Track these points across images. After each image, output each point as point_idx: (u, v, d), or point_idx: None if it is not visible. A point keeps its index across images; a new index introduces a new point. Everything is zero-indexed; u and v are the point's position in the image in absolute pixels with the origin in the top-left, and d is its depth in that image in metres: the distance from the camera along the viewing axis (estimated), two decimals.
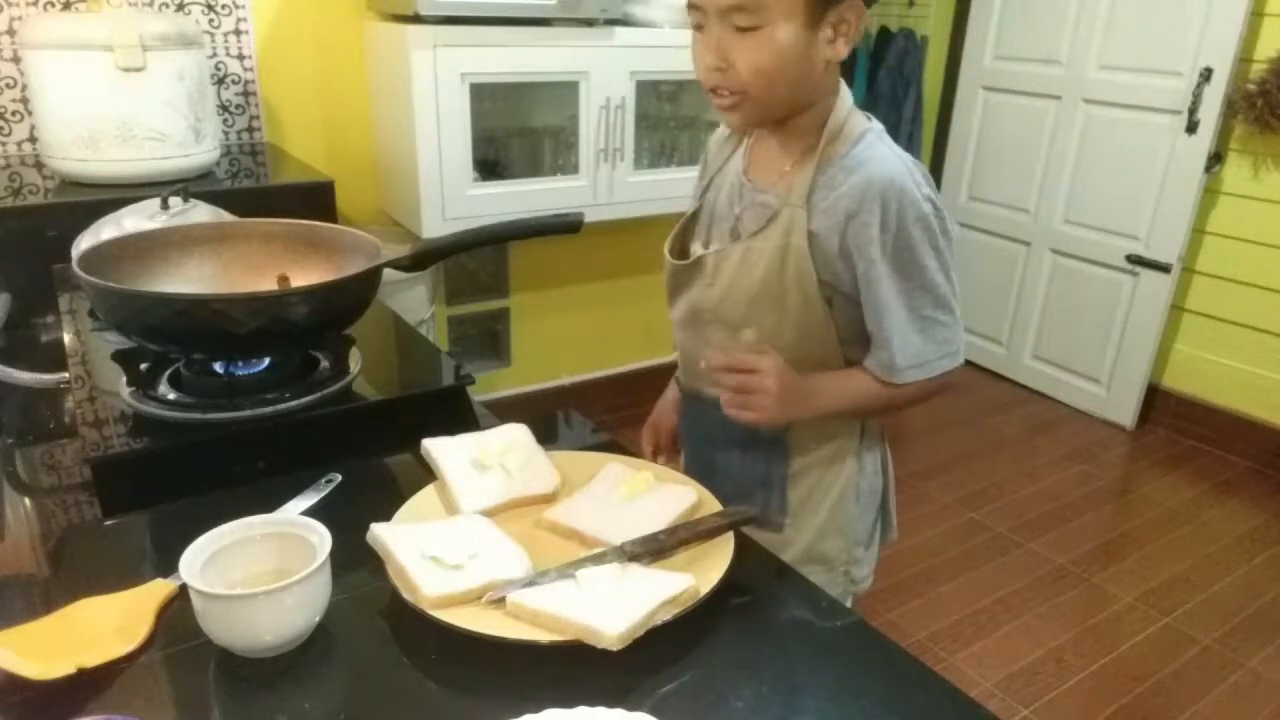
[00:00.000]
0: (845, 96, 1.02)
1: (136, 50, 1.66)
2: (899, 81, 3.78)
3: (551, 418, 1.16)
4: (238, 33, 2.17)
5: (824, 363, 1.06)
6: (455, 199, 2.23)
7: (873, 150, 0.99)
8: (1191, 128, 2.78)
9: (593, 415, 1.16)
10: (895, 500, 1.22)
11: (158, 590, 0.72)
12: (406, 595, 0.70)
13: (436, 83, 2.09)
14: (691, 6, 0.96)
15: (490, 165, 2.43)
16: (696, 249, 1.13)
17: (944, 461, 2.89)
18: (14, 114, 1.98)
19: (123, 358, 0.99)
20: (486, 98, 2.28)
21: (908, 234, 0.98)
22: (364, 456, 0.97)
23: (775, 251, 1.01)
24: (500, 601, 0.71)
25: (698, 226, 1.15)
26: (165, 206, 1.26)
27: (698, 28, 0.96)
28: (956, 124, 3.58)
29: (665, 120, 2.67)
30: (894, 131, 3.91)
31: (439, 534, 0.77)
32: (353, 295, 1.04)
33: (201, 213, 1.30)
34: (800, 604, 0.78)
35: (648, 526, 0.80)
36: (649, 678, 0.67)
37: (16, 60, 1.94)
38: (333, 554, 0.69)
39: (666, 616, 0.69)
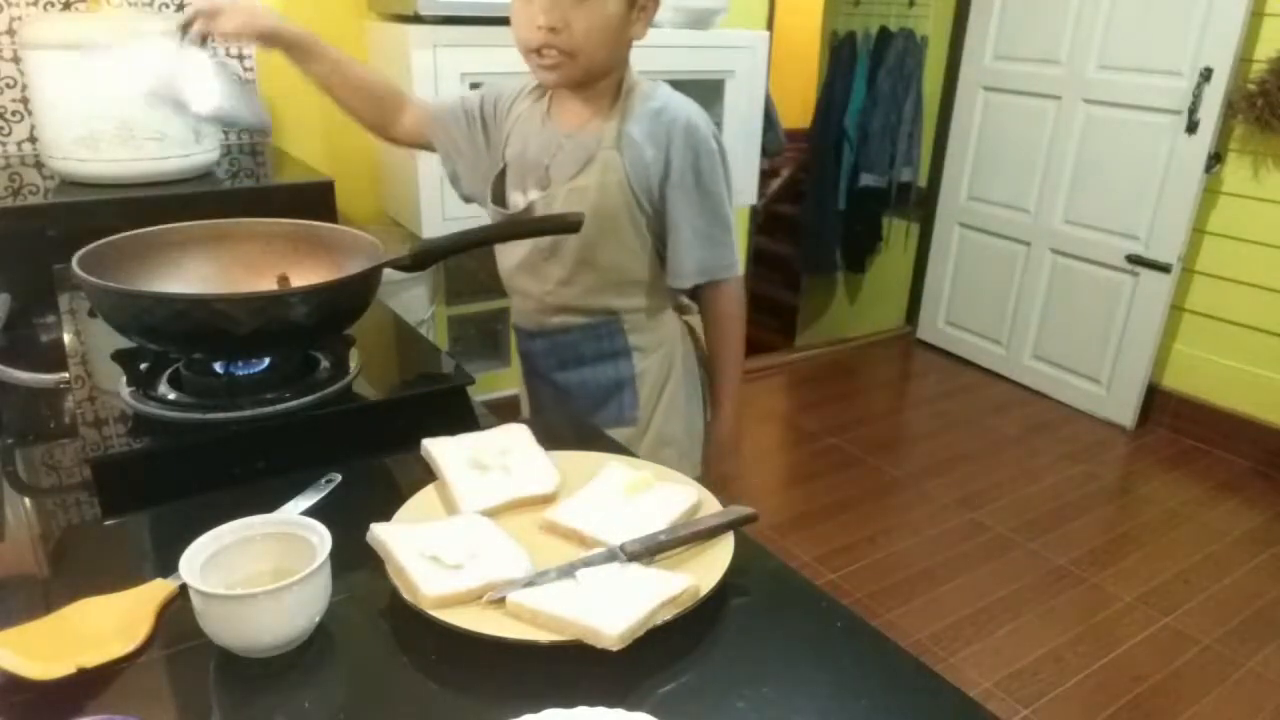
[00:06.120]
0: (633, 66, 1.23)
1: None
2: (899, 81, 3.79)
3: None
4: None
5: (647, 278, 1.28)
6: (455, 199, 2.21)
7: (671, 98, 1.23)
8: (1191, 128, 2.78)
9: None
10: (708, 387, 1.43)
11: (158, 590, 0.72)
12: (406, 595, 0.70)
13: (436, 83, 2.09)
14: None
15: None
16: (517, 198, 1.27)
17: (944, 461, 2.89)
18: (14, 114, 1.98)
19: (123, 358, 0.99)
20: None
21: (699, 165, 1.21)
22: (364, 456, 0.97)
23: (597, 189, 1.19)
24: (500, 601, 0.71)
25: (509, 179, 1.30)
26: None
27: None
28: (956, 124, 3.58)
29: None
30: (894, 131, 3.94)
31: (439, 534, 0.77)
32: (353, 295, 1.04)
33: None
34: (800, 604, 0.78)
35: (648, 526, 0.80)
36: (649, 678, 0.67)
37: (16, 60, 1.94)
38: (333, 554, 0.69)
39: (666, 616, 0.69)
